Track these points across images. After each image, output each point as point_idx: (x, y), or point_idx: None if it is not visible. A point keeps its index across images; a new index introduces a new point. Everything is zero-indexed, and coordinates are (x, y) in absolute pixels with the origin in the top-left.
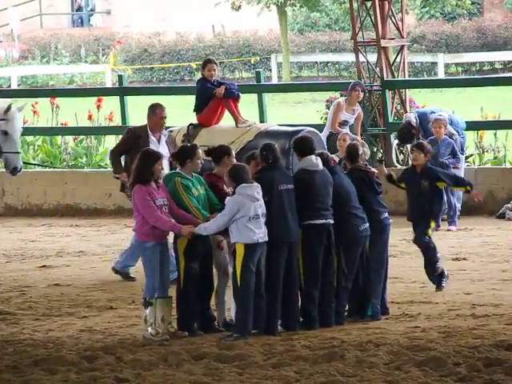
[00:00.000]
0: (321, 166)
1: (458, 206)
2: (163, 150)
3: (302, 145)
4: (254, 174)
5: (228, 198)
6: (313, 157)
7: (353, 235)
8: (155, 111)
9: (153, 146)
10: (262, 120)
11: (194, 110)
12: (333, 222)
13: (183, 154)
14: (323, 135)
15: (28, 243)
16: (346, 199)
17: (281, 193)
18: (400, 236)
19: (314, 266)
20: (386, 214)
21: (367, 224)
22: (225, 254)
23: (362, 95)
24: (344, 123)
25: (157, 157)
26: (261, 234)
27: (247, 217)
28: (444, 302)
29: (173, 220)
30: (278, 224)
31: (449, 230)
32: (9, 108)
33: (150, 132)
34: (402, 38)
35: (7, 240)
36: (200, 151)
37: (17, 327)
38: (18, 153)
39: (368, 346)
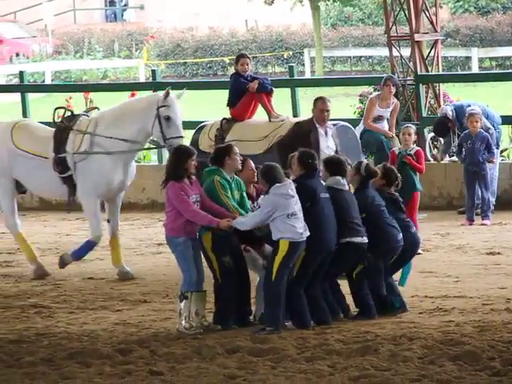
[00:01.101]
0: (346, 187)
1: (492, 200)
2: (330, 143)
3: (336, 166)
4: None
5: (262, 198)
6: (340, 178)
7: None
8: (316, 104)
9: (321, 139)
10: (294, 114)
11: (228, 105)
12: (367, 240)
13: (220, 154)
14: (358, 130)
15: (62, 237)
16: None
17: (322, 201)
18: (433, 230)
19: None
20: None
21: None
22: (254, 254)
23: (394, 90)
24: (379, 118)
25: (190, 153)
26: (302, 230)
27: (285, 214)
28: (478, 297)
29: (209, 215)
30: (318, 232)
31: (483, 225)
32: (167, 93)
33: (317, 125)
34: (436, 32)
35: (42, 234)
36: (236, 148)
37: (51, 320)
38: (182, 137)
39: (402, 340)
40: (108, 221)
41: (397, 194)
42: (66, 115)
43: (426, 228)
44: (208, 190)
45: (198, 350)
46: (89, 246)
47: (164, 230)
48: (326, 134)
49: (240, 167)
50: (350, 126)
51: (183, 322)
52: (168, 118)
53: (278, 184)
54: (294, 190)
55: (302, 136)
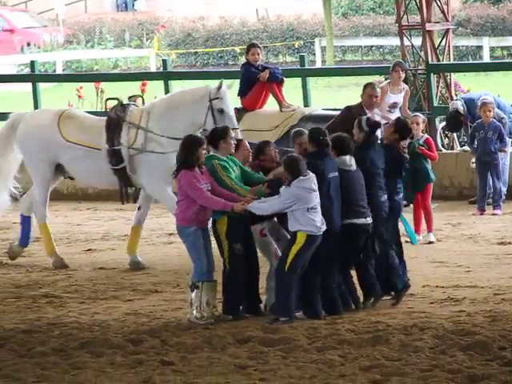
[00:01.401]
0: (354, 167)
1: (504, 190)
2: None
3: (342, 144)
4: (302, 155)
5: (284, 189)
6: (347, 157)
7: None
8: (365, 90)
9: None
10: (305, 104)
11: (238, 95)
12: (371, 221)
13: (216, 136)
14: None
15: (73, 227)
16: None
17: (330, 181)
18: (444, 220)
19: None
20: (401, 195)
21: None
22: (269, 239)
23: (403, 75)
24: (394, 105)
25: (200, 142)
26: (320, 223)
27: (306, 208)
28: (489, 287)
29: (222, 199)
30: (324, 212)
31: (494, 214)
32: (220, 86)
33: (366, 110)
34: (447, 21)
35: (53, 224)
36: (231, 131)
37: (63, 310)
38: (237, 128)
39: (413, 330)
40: (138, 208)
41: (406, 155)
42: (115, 105)
43: (436, 218)
44: (211, 174)
45: (208, 339)
46: None
47: (175, 220)
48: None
49: (233, 151)
50: None
51: (194, 312)
52: (221, 111)
53: (301, 177)
54: (317, 184)
55: (353, 121)
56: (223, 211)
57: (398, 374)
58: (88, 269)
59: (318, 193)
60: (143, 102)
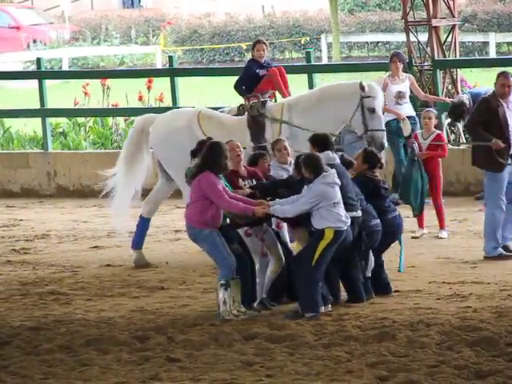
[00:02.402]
0: (338, 160)
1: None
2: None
3: (321, 140)
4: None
5: (307, 187)
6: (330, 152)
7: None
8: (498, 79)
9: (507, 114)
10: None
11: (234, 85)
12: (361, 214)
13: (202, 147)
14: None
15: (80, 224)
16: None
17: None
18: (450, 216)
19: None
20: (395, 214)
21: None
22: (254, 239)
23: (401, 65)
24: (400, 96)
25: (227, 149)
26: (345, 218)
27: (332, 203)
28: (496, 282)
29: (241, 202)
30: None
31: None
32: (373, 84)
33: (501, 100)
34: (453, 17)
35: (59, 221)
36: (226, 146)
37: (69, 307)
38: (384, 130)
39: (419, 326)
40: None
41: (379, 179)
42: (255, 102)
43: None
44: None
45: (215, 336)
46: None
47: (187, 222)
48: (508, 108)
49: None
50: None
51: (233, 310)
52: (373, 110)
53: (324, 173)
54: (338, 179)
55: (492, 112)
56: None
57: (404, 370)
58: (94, 266)
59: (338, 188)
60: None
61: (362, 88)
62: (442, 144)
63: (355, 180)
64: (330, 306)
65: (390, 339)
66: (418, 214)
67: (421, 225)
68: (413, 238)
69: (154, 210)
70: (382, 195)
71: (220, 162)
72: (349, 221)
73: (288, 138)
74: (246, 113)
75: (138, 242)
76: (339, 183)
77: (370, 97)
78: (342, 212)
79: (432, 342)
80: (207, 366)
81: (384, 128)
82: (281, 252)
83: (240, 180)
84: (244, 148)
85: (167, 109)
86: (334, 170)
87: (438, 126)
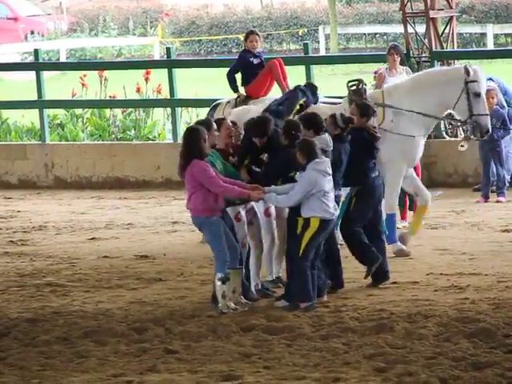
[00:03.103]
0: (331, 145)
1: (508, 177)
2: None
3: (315, 122)
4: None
5: (300, 175)
6: (327, 135)
7: None
8: None
9: None
10: None
11: (242, 84)
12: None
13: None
14: None
15: (77, 216)
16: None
17: None
18: (448, 208)
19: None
20: (376, 174)
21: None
22: (242, 226)
23: (398, 58)
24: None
25: (205, 132)
26: (333, 209)
27: (322, 192)
28: (493, 274)
29: (236, 186)
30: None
31: (498, 202)
32: (476, 69)
33: None
34: (451, 8)
35: (57, 212)
36: (214, 124)
37: (67, 299)
38: (487, 115)
39: (417, 317)
40: (416, 195)
41: (378, 136)
42: (353, 88)
43: (440, 205)
44: None
45: (213, 328)
46: (392, 219)
47: (193, 215)
48: None
49: (216, 142)
50: None
51: (229, 303)
52: (478, 95)
53: (317, 160)
54: (331, 168)
55: None
56: None
57: (402, 361)
58: (92, 257)
59: (331, 177)
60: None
61: (467, 72)
62: None
63: (356, 133)
64: (325, 296)
65: (388, 331)
66: (401, 208)
67: (403, 217)
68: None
69: None
70: (373, 154)
71: (201, 147)
72: (337, 212)
73: (392, 121)
74: (347, 99)
75: (392, 237)
76: (331, 173)
77: (475, 81)
78: (330, 203)
79: (430, 334)
80: (205, 358)
81: (488, 112)
82: (262, 238)
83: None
84: None
85: (165, 100)
86: (327, 159)
87: None
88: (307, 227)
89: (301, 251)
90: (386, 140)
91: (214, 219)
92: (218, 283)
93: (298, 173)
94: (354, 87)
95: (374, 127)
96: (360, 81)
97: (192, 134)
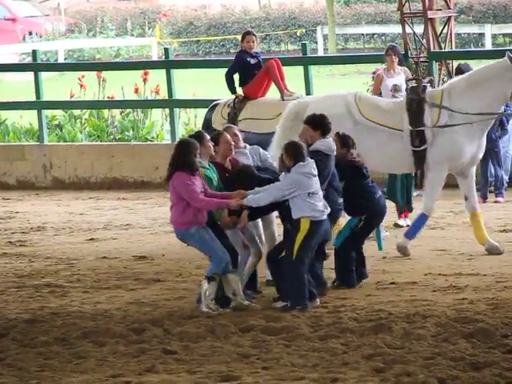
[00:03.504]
0: (334, 149)
1: (506, 177)
2: None
3: (322, 123)
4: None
5: (284, 176)
6: (331, 140)
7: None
8: None
9: None
10: (308, 92)
11: (240, 85)
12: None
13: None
14: None
15: (76, 216)
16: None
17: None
18: (446, 208)
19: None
20: (380, 193)
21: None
22: (236, 231)
23: (396, 58)
24: (396, 89)
25: (197, 146)
26: (322, 208)
27: (306, 193)
28: (492, 274)
29: (215, 199)
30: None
31: (496, 202)
32: None
33: None
34: (449, 8)
35: (55, 213)
36: (207, 135)
37: (65, 300)
38: None
39: (415, 318)
40: (465, 198)
41: (360, 160)
42: (415, 86)
43: (439, 206)
44: None
45: (211, 329)
46: (422, 220)
47: (173, 227)
48: None
49: (213, 153)
50: None
51: (211, 304)
52: None
53: (301, 163)
54: (316, 170)
55: None
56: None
57: (400, 361)
58: (90, 258)
59: (317, 178)
60: (431, 84)
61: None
62: None
63: (341, 165)
64: (317, 300)
65: (386, 331)
66: (402, 210)
67: (406, 215)
68: (395, 225)
69: None
70: (365, 175)
71: (189, 161)
72: (327, 210)
73: (446, 123)
74: (405, 96)
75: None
76: (316, 174)
77: None
78: (318, 202)
79: (428, 334)
80: (203, 358)
81: None
82: (260, 246)
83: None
84: (401, 130)
85: (163, 101)
86: (312, 161)
87: None
88: (298, 229)
89: (294, 254)
90: (437, 142)
91: (194, 230)
92: (204, 281)
93: (282, 173)
94: (414, 85)
95: (354, 157)
96: (420, 80)
97: (181, 146)
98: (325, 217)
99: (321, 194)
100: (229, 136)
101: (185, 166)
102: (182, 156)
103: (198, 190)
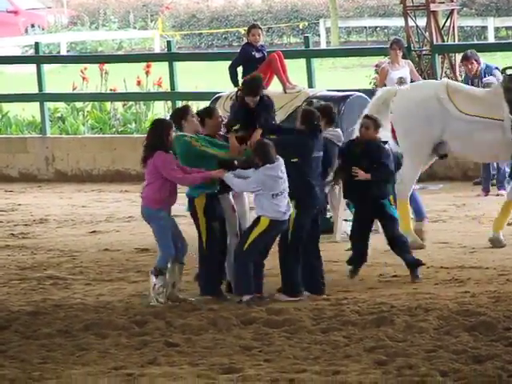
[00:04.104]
0: (342, 139)
1: (508, 170)
2: None
3: (330, 113)
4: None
5: (253, 171)
6: (339, 130)
7: None
8: None
9: None
10: (310, 85)
11: (229, 67)
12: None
13: (176, 117)
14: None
15: (78, 209)
16: None
17: (312, 160)
18: (449, 201)
19: None
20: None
21: None
22: (227, 195)
23: (400, 52)
24: (401, 81)
25: (171, 124)
26: (285, 209)
27: (270, 194)
28: (494, 267)
29: (196, 174)
30: (305, 189)
31: (498, 195)
32: None
33: None
34: (452, 1)
35: (58, 206)
36: (192, 110)
37: (68, 292)
38: None
39: (417, 311)
40: None
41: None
42: (510, 74)
43: (441, 199)
44: (186, 150)
45: (213, 321)
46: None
47: (143, 204)
48: None
49: (200, 129)
50: (366, 96)
51: (159, 297)
52: None
53: (268, 165)
54: (284, 171)
55: None
56: (201, 189)
57: (402, 354)
58: (93, 250)
59: (285, 179)
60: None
61: None
62: None
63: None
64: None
65: (388, 324)
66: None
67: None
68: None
69: None
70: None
71: (164, 139)
72: (290, 212)
73: None
74: (501, 85)
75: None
76: (283, 177)
77: None
78: (281, 203)
79: (430, 327)
80: (206, 351)
81: None
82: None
83: None
84: (502, 120)
85: (165, 93)
86: (281, 162)
87: None
88: (257, 224)
89: (246, 245)
90: None
91: (163, 214)
92: (152, 275)
93: (252, 168)
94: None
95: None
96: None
97: (156, 126)
98: (286, 217)
99: (286, 193)
100: (219, 111)
101: (161, 144)
102: (157, 135)
103: (178, 168)
